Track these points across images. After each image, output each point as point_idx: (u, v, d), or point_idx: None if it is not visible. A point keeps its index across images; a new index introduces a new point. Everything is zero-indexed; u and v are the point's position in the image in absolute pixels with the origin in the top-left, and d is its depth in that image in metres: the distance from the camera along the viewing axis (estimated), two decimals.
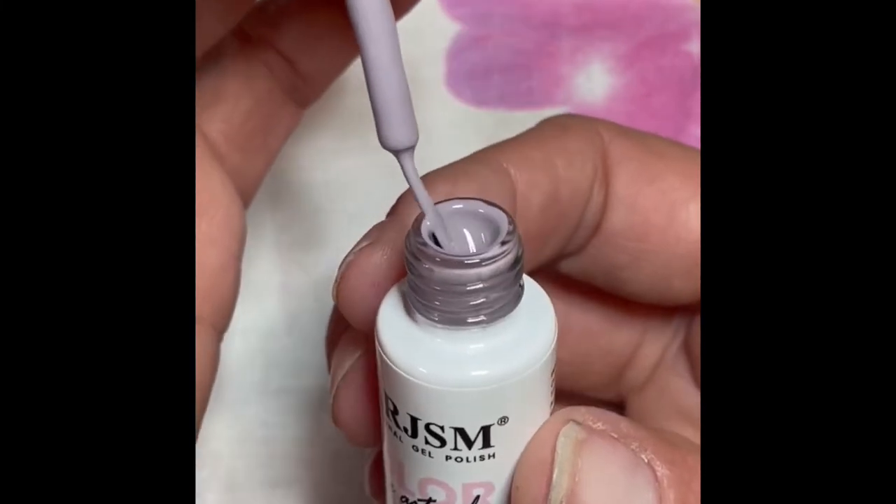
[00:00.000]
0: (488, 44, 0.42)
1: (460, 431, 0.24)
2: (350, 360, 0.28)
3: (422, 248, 0.24)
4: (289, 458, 0.40)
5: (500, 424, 0.24)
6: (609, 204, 0.29)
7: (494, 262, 0.23)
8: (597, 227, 0.30)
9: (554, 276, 0.31)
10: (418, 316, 0.24)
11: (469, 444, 0.24)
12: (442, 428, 0.24)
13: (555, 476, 0.24)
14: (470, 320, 0.24)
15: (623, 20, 0.42)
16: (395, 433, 0.25)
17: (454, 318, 0.24)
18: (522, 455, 0.25)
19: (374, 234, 0.26)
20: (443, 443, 0.24)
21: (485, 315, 0.24)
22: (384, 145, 0.24)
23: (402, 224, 0.26)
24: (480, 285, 0.23)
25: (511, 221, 0.24)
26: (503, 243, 0.24)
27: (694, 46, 0.42)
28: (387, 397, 0.25)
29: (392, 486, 0.27)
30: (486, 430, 0.24)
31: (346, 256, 0.26)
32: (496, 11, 0.42)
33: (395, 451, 0.26)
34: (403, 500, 0.26)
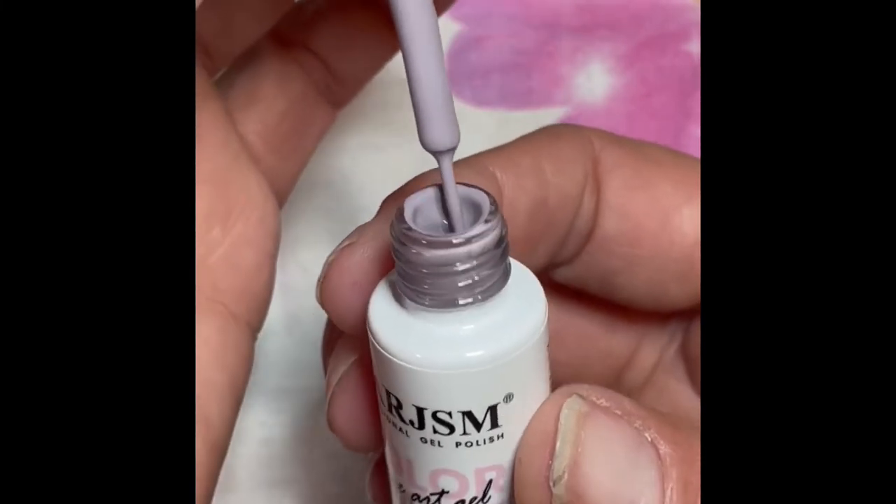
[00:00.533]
0: (488, 44, 0.42)
1: (468, 415, 0.24)
2: (345, 365, 0.28)
3: (407, 232, 0.24)
4: (288, 457, 0.40)
5: (506, 402, 0.24)
6: (601, 210, 0.29)
7: (480, 239, 0.24)
8: (589, 235, 0.30)
9: (549, 284, 0.31)
10: (409, 303, 0.24)
11: (478, 426, 0.24)
12: (449, 414, 0.24)
13: (558, 446, 0.24)
14: (462, 301, 0.24)
15: (623, 20, 0.42)
16: (400, 429, 0.25)
17: (446, 301, 0.24)
18: (526, 429, 0.25)
19: (355, 235, 0.27)
20: (451, 429, 0.24)
21: (479, 293, 0.24)
22: (425, 146, 0.24)
23: (383, 224, 0.26)
24: (469, 265, 0.24)
25: (493, 202, 0.24)
26: (486, 221, 0.24)
27: (694, 46, 0.42)
28: (388, 393, 0.25)
29: (400, 486, 0.26)
30: (493, 410, 0.24)
31: (329, 257, 0.27)
32: (496, 11, 0.42)
33: (403, 448, 0.26)
34: (415, 497, 0.26)
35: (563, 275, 0.31)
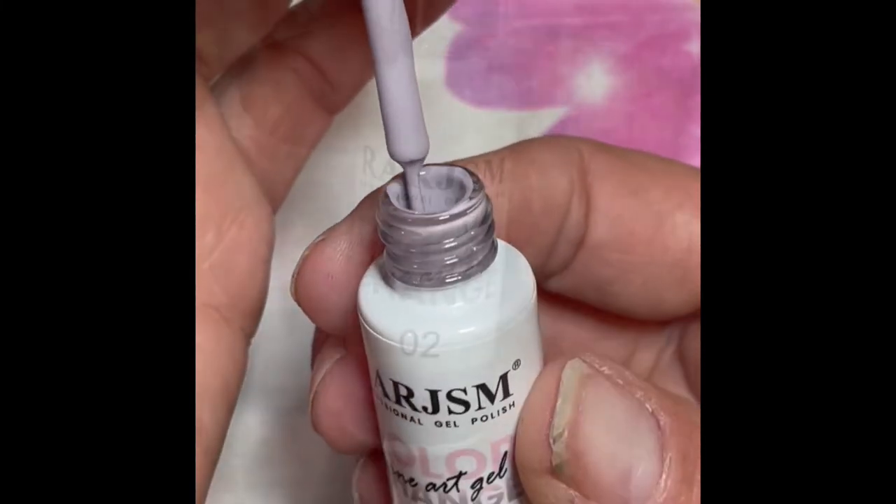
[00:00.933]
0: (488, 44, 0.42)
1: (482, 388, 0.25)
2: (328, 364, 0.28)
3: (394, 213, 0.24)
4: (286, 457, 0.40)
5: (515, 368, 0.25)
6: (592, 217, 0.30)
7: (468, 214, 0.24)
8: (580, 243, 0.30)
9: (542, 294, 0.31)
10: (399, 284, 0.25)
11: (491, 398, 0.25)
12: (464, 390, 0.25)
13: (559, 404, 0.25)
14: (450, 279, 0.24)
15: (623, 20, 0.42)
16: (411, 419, 0.25)
17: (436, 279, 0.24)
18: (529, 392, 0.25)
19: (328, 231, 0.27)
20: (466, 406, 0.25)
21: (472, 268, 0.24)
22: (392, 156, 0.25)
23: (357, 221, 0.27)
24: (456, 241, 0.24)
25: (476, 179, 0.25)
26: (471, 198, 0.24)
27: (694, 46, 0.42)
28: (395, 384, 0.25)
29: (411, 481, 0.26)
30: (504, 379, 0.25)
31: (303, 253, 0.27)
32: (496, 11, 0.42)
33: (414, 438, 0.26)
34: (430, 487, 0.26)
35: (556, 285, 0.31)
